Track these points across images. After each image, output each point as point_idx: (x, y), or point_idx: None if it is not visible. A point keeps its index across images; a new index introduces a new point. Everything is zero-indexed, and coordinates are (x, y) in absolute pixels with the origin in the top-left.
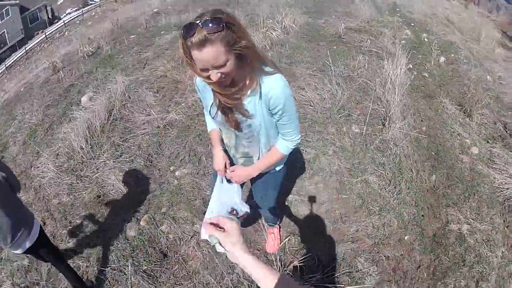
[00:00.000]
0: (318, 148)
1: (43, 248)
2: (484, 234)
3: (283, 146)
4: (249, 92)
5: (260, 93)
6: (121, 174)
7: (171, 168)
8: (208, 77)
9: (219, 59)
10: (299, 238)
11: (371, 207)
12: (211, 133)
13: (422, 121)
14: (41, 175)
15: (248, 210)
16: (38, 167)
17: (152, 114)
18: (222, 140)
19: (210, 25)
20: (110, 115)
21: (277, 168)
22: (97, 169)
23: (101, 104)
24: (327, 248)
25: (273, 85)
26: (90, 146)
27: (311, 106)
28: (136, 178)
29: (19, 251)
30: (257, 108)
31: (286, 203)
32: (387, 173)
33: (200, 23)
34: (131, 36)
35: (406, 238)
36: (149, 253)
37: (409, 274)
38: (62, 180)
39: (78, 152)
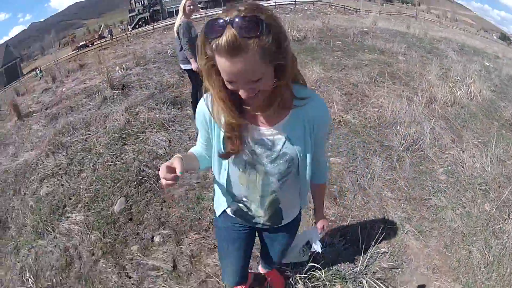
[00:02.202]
0: (450, 201)
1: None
2: None
3: (324, 176)
4: (289, 115)
5: (305, 115)
6: None
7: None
8: (236, 92)
9: (254, 73)
10: None
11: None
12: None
13: None
14: None
15: (320, 251)
16: None
17: (334, 108)
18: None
19: (245, 25)
20: None
21: (303, 207)
22: None
23: None
24: None
25: (320, 102)
26: None
27: (462, 167)
28: None
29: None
30: (299, 133)
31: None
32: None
33: (230, 21)
34: (337, 42)
35: None
36: None
37: None
38: None
39: None
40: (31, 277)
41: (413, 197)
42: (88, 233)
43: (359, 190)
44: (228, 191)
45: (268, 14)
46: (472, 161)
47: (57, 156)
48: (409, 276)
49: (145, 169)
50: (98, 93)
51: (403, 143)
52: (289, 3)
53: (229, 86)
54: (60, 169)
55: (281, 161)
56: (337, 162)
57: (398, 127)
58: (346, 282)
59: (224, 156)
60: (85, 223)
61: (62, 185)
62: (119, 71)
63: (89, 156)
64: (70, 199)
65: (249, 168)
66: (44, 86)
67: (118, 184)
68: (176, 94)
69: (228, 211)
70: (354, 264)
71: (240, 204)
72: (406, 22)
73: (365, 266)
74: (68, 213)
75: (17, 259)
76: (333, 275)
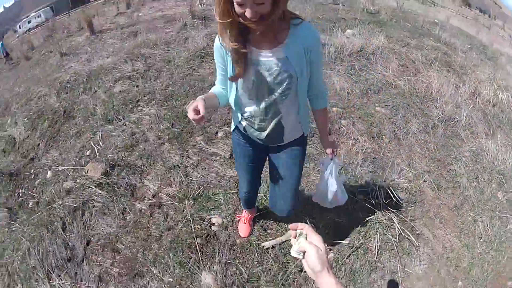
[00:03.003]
0: (468, 173)
1: None
2: None
3: (324, 101)
4: (286, 39)
5: (299, 40)
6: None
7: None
8: (243, 15)
9: None
10: None
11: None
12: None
13: None
14: None
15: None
16: None
17: (389, 72)
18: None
19: None
20: None
21: (306, 133)
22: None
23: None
24: None
25: (311, 30)
26: None
27: (486, 154)
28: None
29: None
30: (296, 54)
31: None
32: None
33: None
34: (407, 24)
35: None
36: None
37: None
38: None
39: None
40: (93, 151)
41: (437, 158)
42: (157, 123)
43: (394, 138)
44: (239, 108)
45: None
46: (496, 152)
47: (135, 63)
48: (419, 214)
49: None
50: (180, 19)
51: (440, 115)
52: None
53: (237, 9)
54: (136, 73)
55: (282, 77)
56: (381, 111)
57: (440, 102)
58: (368, 194)
59: (232, 79)
60: (156, 115)
61: (137, 86)
62: (200, 6)
63: (167, 66)
64: (145, 96)
65: (256, 85)
66: (117, 12)
67: (193, 89)
68: None
69: (240, 127)
70: (376, 182)
71: (247, 121)
72: (477, 29)
73: (385, 185)
74: (141, 107)
75: (78, 141)
76: (357, 187)
